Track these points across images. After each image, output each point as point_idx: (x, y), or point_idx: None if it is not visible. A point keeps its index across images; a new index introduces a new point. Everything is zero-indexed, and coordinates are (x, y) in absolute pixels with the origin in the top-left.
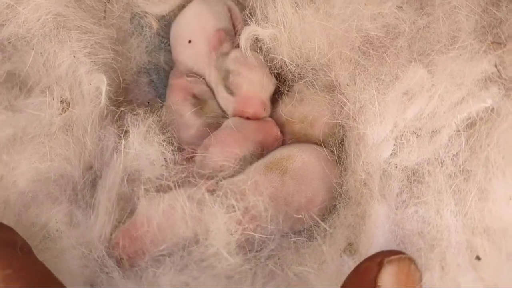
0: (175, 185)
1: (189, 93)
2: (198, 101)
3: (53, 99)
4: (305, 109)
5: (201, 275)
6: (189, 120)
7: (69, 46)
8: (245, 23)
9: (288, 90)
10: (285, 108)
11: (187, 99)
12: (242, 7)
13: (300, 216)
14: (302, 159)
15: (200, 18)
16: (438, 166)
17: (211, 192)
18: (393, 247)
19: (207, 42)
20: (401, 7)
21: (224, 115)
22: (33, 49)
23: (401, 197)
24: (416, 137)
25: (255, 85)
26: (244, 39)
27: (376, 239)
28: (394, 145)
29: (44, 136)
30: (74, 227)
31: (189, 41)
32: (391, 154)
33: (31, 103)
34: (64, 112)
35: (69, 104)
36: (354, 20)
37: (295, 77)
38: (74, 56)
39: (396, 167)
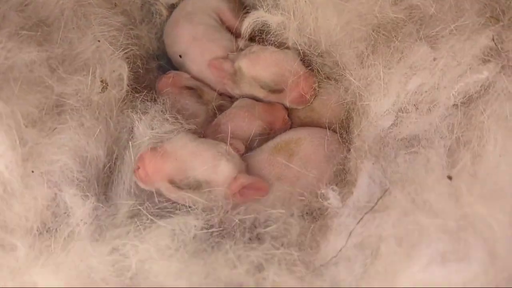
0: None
1: (182, 86)
2: (194, 91)
3: (95, 77)
4: (313, 99)
5: None
6: (193, 109)
7: (91, 31)
8: (253, 7)
9: None
10: None
11: (182, 92)
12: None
13: (302, 198)
14: (310, 142)
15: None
16: (434, 134)
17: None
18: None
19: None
20: None
21: (223, 99)
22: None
23: (395, 161)
24: (416, 109)
25: (295, 68)
26: (246, 24)
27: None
28: (395, 116)
29: (83, 110)
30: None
31: (180, 56)
32: (391, 125)
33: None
34: (103, 91)
35: (108, 84)
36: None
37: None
38: (98, 41)
39: (395, 138)
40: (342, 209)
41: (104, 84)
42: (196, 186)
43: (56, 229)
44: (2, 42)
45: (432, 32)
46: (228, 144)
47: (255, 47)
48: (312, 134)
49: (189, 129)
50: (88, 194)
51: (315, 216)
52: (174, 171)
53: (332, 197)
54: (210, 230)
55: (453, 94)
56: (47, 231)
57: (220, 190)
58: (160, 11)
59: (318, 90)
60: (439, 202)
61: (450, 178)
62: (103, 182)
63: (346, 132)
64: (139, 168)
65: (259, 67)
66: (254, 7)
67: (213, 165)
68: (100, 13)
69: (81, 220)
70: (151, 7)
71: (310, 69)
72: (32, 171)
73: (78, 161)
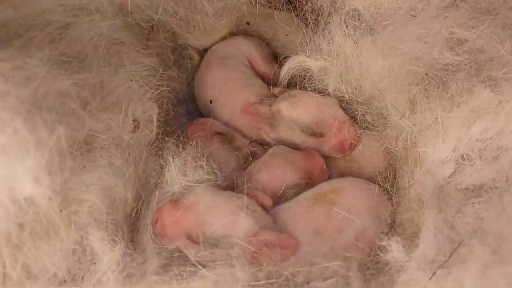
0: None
1: (211, 131)
2: (225, 137)
3: (127, 116)
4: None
5: None
6: (224, 156)
7: (123, 70)
8: (294, 52)
9: None
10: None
11: (211, 138)
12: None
13: (349, 255)
14: (352, 193)
15: (220, 84)
16: (506, 183)
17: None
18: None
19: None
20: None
21: (255, 146)
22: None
23: (461, 211)
24: (479, 157)
25: (340, 116)
26: (286, 69)
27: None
28: (456, 164)
29: (113, 149)
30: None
31: (210, 101)
32: (452, 173)
33: (106, 114)
34: (135, 131)
35: (140, 124)
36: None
37: (346, 109)
38: (131, 80)
39: (456, 187)
40: (408, 262)
41: (136, 123)
42: (215, 244)
43: (82, 276)
44: (37, 67)
45: (495, 75)
46: (246, 197)
47: (296, 91)
48: (353, 185)
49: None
50: (116, 238)
51: (375, 271)
52: (192, 226)
53: (396, 250)
54: (257, 283)
55: None
56: (72, 280)
57: (242, 248)
58: (192, 56)
59: (359, 140)
60: None
61: None
62: (130, 228)
63: (390, 182)
64: (157, 221)
65: (301, 110)
66: (294, 52)
67: (230, 220)
68: (133, 53)
69: (109, 268)
70: (183, 51)
71: (351, 117)
72: (61, 210)
73: (107, 203)
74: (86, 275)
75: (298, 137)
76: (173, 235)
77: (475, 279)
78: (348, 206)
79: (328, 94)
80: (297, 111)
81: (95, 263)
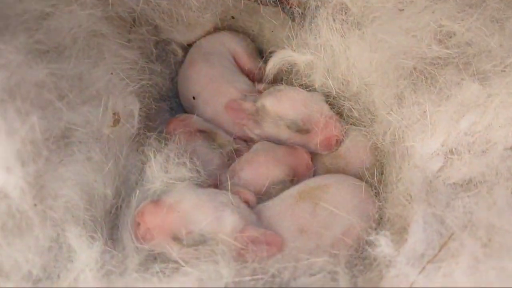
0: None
1: (193, 129)
2: (207, 134)
3: (107, 109)
4: (339, 147)
5: None
6: (207, 153)
7: (104, 63)
8: (280, 47)
9: None
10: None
11: (193, 135)
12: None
13: (336, 252)
14: (338, 190)
15: (204, 80)
16: (496, 177)
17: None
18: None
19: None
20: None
21: (239, 143)
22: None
23: (451, 205)
24: (468, 151)
25: (326, 112)
26: (272, 64)
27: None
28: (445, 158)
29: (92, 143)
30: None
31: (193, 98)
32: (441, 167)
33: (85, 107)
34: (115, 125)
35: (120, 118)
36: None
37: (333, 104)
38: (111, 73)
39: (445, 181)
40: (397, 257)
41: (116, 117)
42: (201, 242)
43: (58, 275)
44: (12, 53)
45: (484, 69)
46: (230, 193)
47: (281, 86)
48: (339, 181)
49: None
50: (95, 235)
51: (363, 266)
52: (177, 225)
53: (384, 244)
54: (242, 280)
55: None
56: (47, 278)
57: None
58: (175, 51)
59: (345, 136)
60: None
61: None
62: (109, 225)
63: (377, 178)
64: (139, 224)
65: (286, 105)
66: (280, 47)
67: (216, 217)
68: (114, 45)
69: (87, 265)
70: (166, 46)
71: (338, 113)
72: (35, 205)
73: (85, 198)
74: (63, 273)
75: (284, 133)
76: (159, 237)
77: (466, 273)
78: (334, 203)
79: (315, 90)
80: (283, 107)
81: (72, 261)
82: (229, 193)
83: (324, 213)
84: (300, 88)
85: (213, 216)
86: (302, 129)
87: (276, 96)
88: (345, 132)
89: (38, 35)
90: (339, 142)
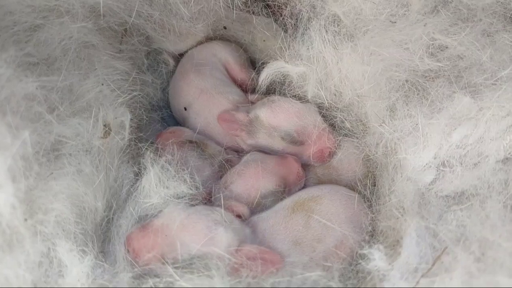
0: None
1: (183, 140)
2: (196, 144)
3: (98, 121)
4: None
5: None
6: (197, 163)
7: (94, 74)
8: (272, 58)
9: None
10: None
11: (183, 146)
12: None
13: (329, 264)
14: (331, 201)
15: (196, 91)
16: (488, 190)
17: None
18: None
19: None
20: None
21: (230, 153)
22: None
23: (444, 218)
24: (460, 164)
25: (312, 118)
26: (264, 75)
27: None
28: (437, 171)
29: (82, 155)
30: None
31: (185, 108)
32: (433, 179)
33: (75, 120)
34: (106, 137)
35: (111, 130)
36: (413, 53)
37: (325, 116)
38: (102, 84)
39: (437, 194)
40: (391, 272)
41: (107, 129)
42: (191, 263)
43: None
44: (2, 67)
45: (475, 82)
46: (223, 209)
47: (275, 97)
48: (332, 192)
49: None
50: (86, 249)
51: (357, 280)
52: (165, 248)
53: (378, 258)
54: None
55: (503, 146)
56: None
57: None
58: (166, 61)
59: (338, 148)
60: None
61: None
62: (100, 238)
63: (370, 190)
64: (129, 248)
65: (281, 116)
66: (273, 58)
67: (209, 238)
68: (105, 56)
69: (79, 280)
70: (157, 56)
71: (330, 124)
72: (26, 219)
73: (75, 212)
74: None
75: (278, 144)
76: (147, 261)
77: None
78: (327, 214)
79: (308, 101)
80: (277, 118)
81: (63, 276)
82: (222, 210)
83: (318, 225)
84: (293, 99)
85: (205, 237)
86: (296, 141)
87: (270, 107)
88: (338, 144)
89: (28, 48)
90: (332, 154)
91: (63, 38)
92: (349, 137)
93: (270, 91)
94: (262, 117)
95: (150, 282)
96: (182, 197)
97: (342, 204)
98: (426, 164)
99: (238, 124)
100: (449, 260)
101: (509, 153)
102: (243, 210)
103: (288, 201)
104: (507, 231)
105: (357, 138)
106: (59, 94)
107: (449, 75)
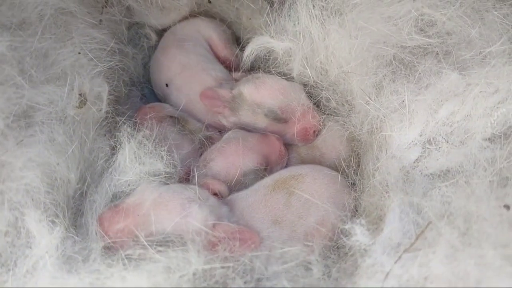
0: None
1: (163, 116)
2: (176, 120)
3: (73, 89)
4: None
5: None
6: (177, 138)
7: (71, 42)
8: (257, 33)
9: None
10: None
11: (163, 121)
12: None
13: (309, 243)
14: (313, 180)
15: (178, 67)
16: (474, 167)
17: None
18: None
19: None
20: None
21: (210, 130)
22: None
23: (428, 195)
24: (446, 141)
25: (297, 96)
26: (249, 50)
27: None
28: (422, 148)
29: (55, 124)
30: None
31: (166, 85)
32: (419, 157)
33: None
34: (81, 107)
35: (87, 99)
36: (401, 28)
37: (310, 94)
38: (79, 53)
39: (423, 171)
40: (372, 247)
41: (82, 98)
42: (165, 242)
43: (15, 262)
44: None
45: (463, 58)
46: (197, 187)
47: (260, 74)
48: (315, 171)
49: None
50: (56, 220)
51: (338, 255)
52: (138, 228)
53: (360, 233)
54: (213, 267)
55: (491, 124)
56: (2, 265)
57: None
58: (149, 35)
59: (323, 126)
60: (501, 232)
61: (508, 207)
62: (72, 210)
63: (354, 169)
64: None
65: (265, 93)
66: (258, 33)
67: (183, 216)
68: (83, 25)
69: (47, 252)
70: (139, 29)
71: (315, 103)
72: None
73: (46, 182)
74: (20, 260)
75: (261, 122)
76: (119, 242)
77: (443, 262)
78: (309, 192)
79: (293, 78)
80: (261, 94)
81: (30, 247)
82: (196, 187)
83: (298, 203)
84: (278, 76)
85: (179, 215)
86: (280, 118)
87: (254, 83)
88: (322, 123)
89: (1, 9)
90: (316, 133)
91: (39, 3)
92: (334, 115)
93: (254, 68)
94: (245, 94)
95: (122, 254)
96: (158, 175)
97: (324, 183)
98: (412, 141)
99: (221, 101)
100: (432, 235)
101: (496, 130)
102: (220, 187)
103: (268, 180)
104: (493, 206)
105: (342, 116)
106: (32, 58)
107: (437, 52)
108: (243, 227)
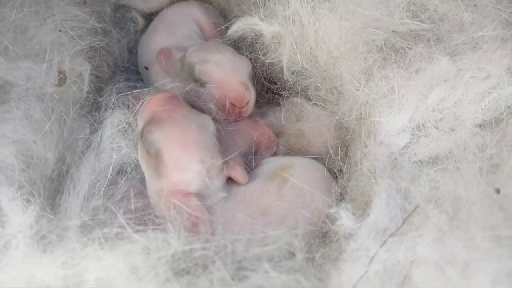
0: None
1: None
2: None
3: (52, 66)
4: (303, 126)
5: None
6: None
7: (52, 20)
8: (247, 14)
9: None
10: (281, 121)
11: None
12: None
13: (296, 232)
14: (303, 171)
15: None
16: (464, 152)
17: None
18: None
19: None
20: None
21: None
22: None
23: (416, 180)
24: (436, 128)
25: (226, 66)
26: (235, 28)
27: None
28: (411, 135)
29: (32, 101)
30: None
31: (146, 68)
32: (408, 143)
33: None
34: (60, 85)
35: (66, 78)
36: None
37: (298, 81)
38: (60, 30)
39: (411, 157)
40: (358, 230)
41: (62, 76)
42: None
43: None
44: None
45: (455, 43)
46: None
47: (215, 42)
48: (302, 163)
49: None
50: (31, 199)
51: (322, 239)
52: None
53: (345, 217)
54: (193, 248)
55: (481, 109)
56: None
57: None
58: (135, 19)
59: (308, 115)
60: (490, 214)
61: (498, 191)
62: (49, 190)
63: (341, 156)
64: None
65: (200, 55)
66: (247, 13)
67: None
68: (64, 3)
69: (20, 231)
70: (125, 13)
71: (302, 91)
72: None
73: (21, 159)
74: None
75: (187, 82)
76: None
77: (430, 245)
78: (298, 186)
79: (281, 66)
80: (195, 55)
81: (3, 226)
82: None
83: (290, 193)
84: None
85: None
86: (198, 79)
87: (199, 45)
88: (252, 103)
89: None
90: (245, 111)
91: None
92: (322, 103)
93: (241, 48)
94: (187, 54)
95: (98, 233)
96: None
97: (314, 174)
98: (401, 127)
99: (173, 60)
100: (420, 220)
101: (487, 116)
102: (242, 179)
103: (265, 170)
104: (482, 191)
105: (330, 104)
106: (10, 33)
107: (429, 37)
108: (200, 213)
